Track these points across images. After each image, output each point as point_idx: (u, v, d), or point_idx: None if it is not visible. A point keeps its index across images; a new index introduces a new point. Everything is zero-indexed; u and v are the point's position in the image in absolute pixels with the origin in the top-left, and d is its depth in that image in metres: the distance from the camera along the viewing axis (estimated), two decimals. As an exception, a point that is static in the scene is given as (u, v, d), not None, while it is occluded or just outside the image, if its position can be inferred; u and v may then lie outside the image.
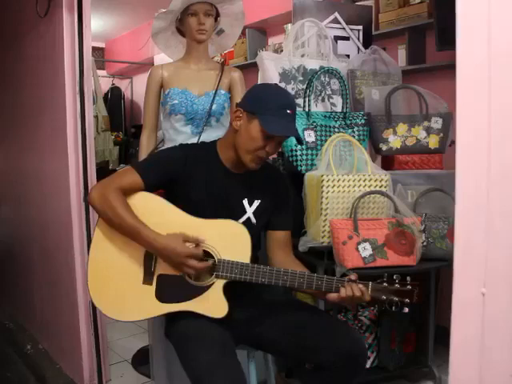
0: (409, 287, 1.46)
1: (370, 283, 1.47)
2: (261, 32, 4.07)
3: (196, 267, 1.47)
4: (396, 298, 1.45)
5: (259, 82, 2.25)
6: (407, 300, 1.45)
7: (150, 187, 1.58)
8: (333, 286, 1.47)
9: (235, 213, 1.63)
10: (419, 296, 1.48)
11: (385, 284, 1.46)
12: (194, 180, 1.61)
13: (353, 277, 1.48)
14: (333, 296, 1.47)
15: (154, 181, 1.59)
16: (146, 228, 1.50)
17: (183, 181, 1.60)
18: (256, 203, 1.67)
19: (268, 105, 1.55)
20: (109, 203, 1.50)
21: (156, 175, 1.60)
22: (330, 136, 2.07)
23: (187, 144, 1.78)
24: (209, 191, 1.62)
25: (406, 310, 1.45)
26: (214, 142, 1.70)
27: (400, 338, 2.32)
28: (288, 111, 1.55)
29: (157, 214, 1.57)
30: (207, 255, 1.53)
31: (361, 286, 1.45)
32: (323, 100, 2.30)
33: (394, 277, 1.47)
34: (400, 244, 1.88)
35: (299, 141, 1.60)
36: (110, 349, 2.68)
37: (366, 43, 2.56)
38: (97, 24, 5.05)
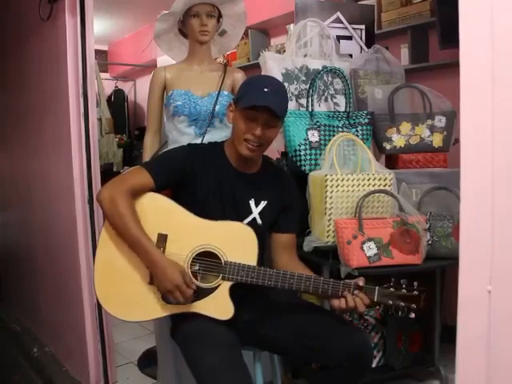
0: (416, 292, 1.45)
1: (377, 288, 1.46)
2: (263, 33, 4.07)
3: (179, 300, 1.46)
4: (403, 304, 1.44)
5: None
6: (414, 305, 1.44)
7: (159, 187, 1.59)
8: (339, 290, 1.47)
9: (241, 213, 1.63)
10: (426, 301, 1.46)
11: (391, 289, 1.46)
12: (201, 179, 1.61)
13: (360, 282, 1.47)
14: (336, 304, 1.47)
15: (164, 180, 1.59)
16: (150, 243, 1.50)
17: (191, 180, 1.60)
18: (263, 204, 1.67)
19: (248, 89, 1.59)
20: (117, 209, 1.50)
21: (166, 175, 1.60)
22: (334, 136, 2.07)
23: (195, 144, 1.78)
24: (216, 191, 1.62)
25: (413, 315, 1.44)
26: (221, 143, 1.71)
27: (406, 337, 2.31)
28: (265, 89, 1.54)
29: (164, 214, 1.57)
30: (214, 257, 1.53)
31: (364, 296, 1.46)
32: (326, 100, 2.30)
33: (401, 282, 1.46)
34: (405, 243, 1.88)
35: (276, 114, 1.53)
36: (116, 351, 2.68)
37: (369, 42, 2.56)
38: (99, 27, 5.06)
